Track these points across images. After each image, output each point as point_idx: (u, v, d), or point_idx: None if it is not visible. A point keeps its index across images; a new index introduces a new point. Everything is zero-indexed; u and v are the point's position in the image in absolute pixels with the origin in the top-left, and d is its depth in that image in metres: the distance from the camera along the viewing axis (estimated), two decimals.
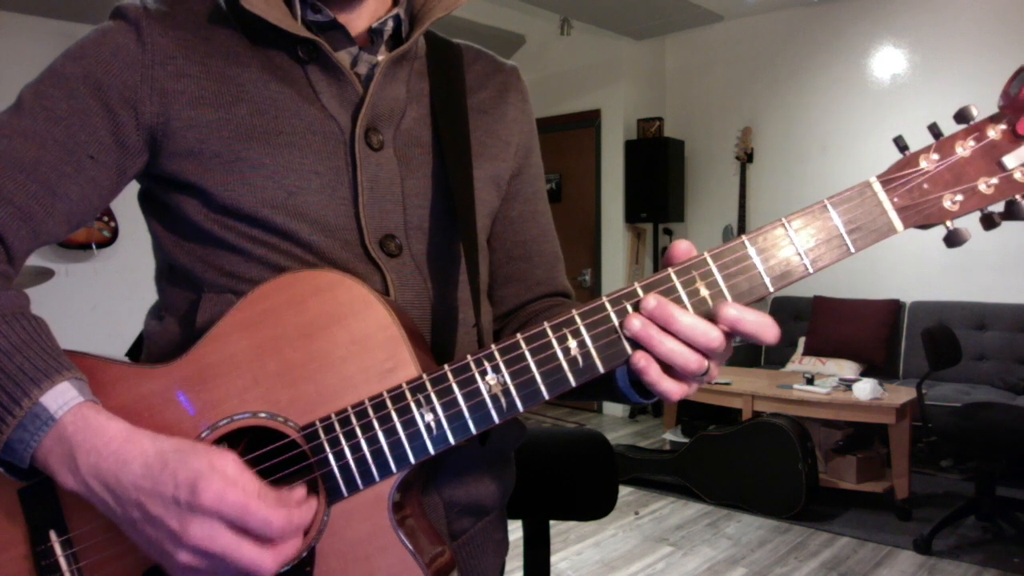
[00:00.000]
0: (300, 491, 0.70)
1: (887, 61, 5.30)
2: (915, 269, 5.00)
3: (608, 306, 0.70)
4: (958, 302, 4.86)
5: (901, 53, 5.24)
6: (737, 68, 6.04)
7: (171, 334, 0.85)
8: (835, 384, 4.11)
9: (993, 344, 4.67)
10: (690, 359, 0.68)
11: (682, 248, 0.71)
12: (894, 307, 5.02)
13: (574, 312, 0.70)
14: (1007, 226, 0.70)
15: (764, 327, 0.68)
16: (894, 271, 5.06)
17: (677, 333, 0.67)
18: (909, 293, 5.08)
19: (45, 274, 3.25)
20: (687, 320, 0.67)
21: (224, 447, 0.72)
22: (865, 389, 3.80)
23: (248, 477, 0.66)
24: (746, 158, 5.86)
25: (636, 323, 0.68)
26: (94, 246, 4.59)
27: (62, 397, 0.68)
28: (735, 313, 0.67)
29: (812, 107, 5.66)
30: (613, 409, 6.25)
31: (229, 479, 0.65)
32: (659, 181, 5.93)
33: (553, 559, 3.01)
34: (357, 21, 0.88)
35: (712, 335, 0.67)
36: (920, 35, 5.15)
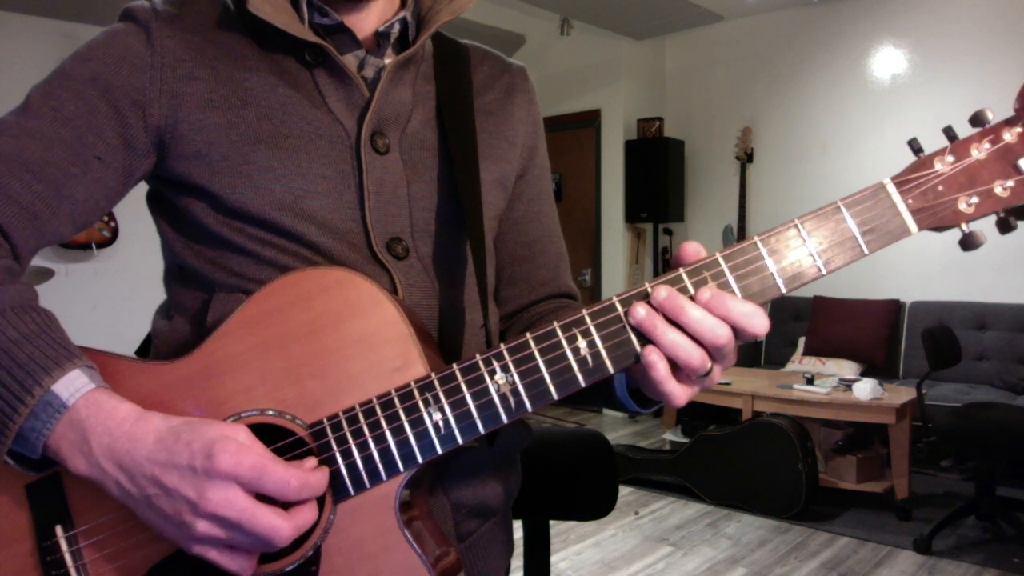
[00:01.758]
0: (312, 460, 0.70)
1: (887, 61, 5.30)
2: (915, 269, 5.00)
3: (618, 306, 0.70)
4: (958, 302, 4.87)
5: (901, 53, 5.24)
6: (737, 68, 6.04)
7: (181, 333, 0.85)
8: (835, 384, 4.11)
9: (993, 344, 4.68)
10: (693, 354, 0.67)
11: (691, 250, 0.70)
12: (894, 307, 5.02)
13: (584, 312, 0.70)
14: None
15: (750, 316, 0.66)
16: (894, 271, 5.06)
17: (685, 325, 0.66)
18: (909, 293, 5.08)
19: (45, 274, 3.25)
20: (696, 313, 0.66)
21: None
22: (865, 389, 3.80)
23: (261, 445, 0.67)
24: (746, 158, 5.86)
25: (641, 311, 0.68)
26: (94, 246, 4.58)
27: (73, 384, 0.68)
28: (707, 296, 0.66)
29: (812, 107, 5.66)
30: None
31: (244, 444, 0.66)
32: (659, 181, 5.93)
33: (553, 559, 3.01)
34: (364, 24, 0.88)
35: (720, 331, 0.66)
36: (920, 35, 5.15)
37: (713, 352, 0.68)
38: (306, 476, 0.67)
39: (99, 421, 0.68)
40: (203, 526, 0.65)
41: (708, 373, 0.69)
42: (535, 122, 1.02)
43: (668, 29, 6.14)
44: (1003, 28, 4.80)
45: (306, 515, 0.68)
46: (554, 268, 1.02)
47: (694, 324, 0.66)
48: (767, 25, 5.85)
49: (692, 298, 0.68)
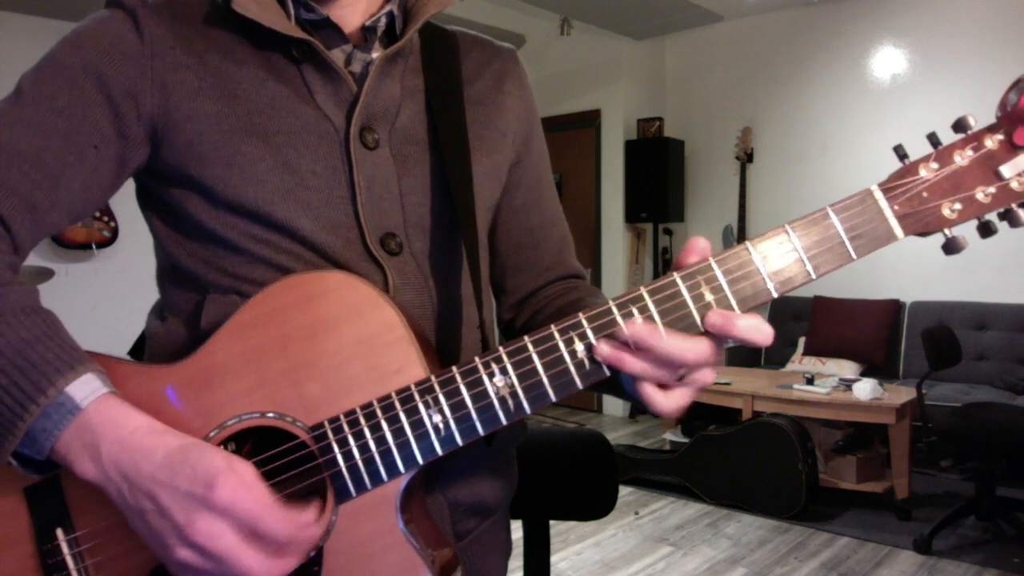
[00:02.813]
0: (311, 515, 0.71)
1: (887, 61, 5.31)
2: (915, 269, 5.00)
3: (614, 310, 0.71)
4: (958, 302, 4.87)
5: (901, 53, 5.25)
6: (737, 68, 6.04)
7: (175, 334, 0.85)
8: (835, 384, 4.11)
9: (993, 344, 4.68)
10: (660, 374, 0.69)
11: (700, 246, 0.72)
12: (894, 307, 5.03)
13: (580, 315, 0.71)
14: (1006, 227, 0.71)
15: (755, 331, 0.68)
16: (894, 271, 5.06)
17: (656, 356, 0.69)
18: (909, 293, 5.09)
19: (45, 274, 3.26)
20: (663, 346, 0.68)
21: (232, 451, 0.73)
22: (865, 389, 3.81)
23: (264, 487, 0.67)
24: (746, 158, 5.86)
25: (605, 349, 0.70)
26: (94, 246, 4.58)
27: (87, 387, 0.68)
28: (719, 320, 0.68)
29: (812, 107, 5.66)
30: (613, 409, 6.26)
31: (247, 483, 0.66)
32: (659, 181, 5.93)
33: (553, 559, 3.02)
34: (350, 19, 0.87)
35: (689, 354, 0.68)
36: (920, 35, 5.15)
37: (687, 367, 0.70)
38: (296, 534, 0.67)
39: (111, 428, 0.68)
40: (184, 552, 0.65)
41: (683, 376, 0.71)
42: (527, 107, 1.00)
43: (668, 29, 6.14)
44: (1003, 28, 4.80)
45: (287, 565, 0.68)
46: (558, 252, 1.02)
47: (664, 356, 0.68)
48: (767, 25, 5.85)
49: (682, 305, 0.70)
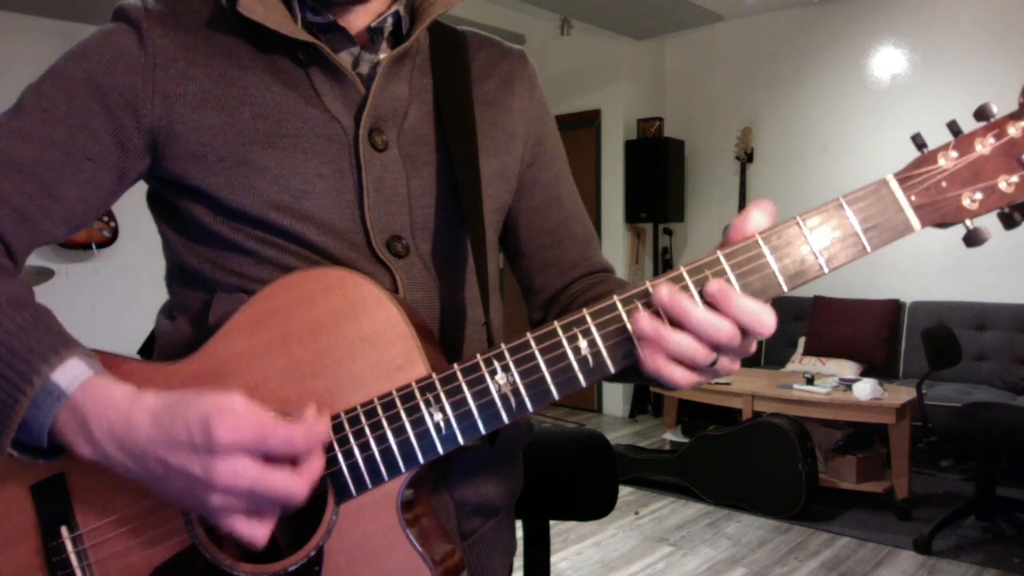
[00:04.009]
0: (311, 409, 0.70)
1: (887, 61, 5.31)
2: (915, 269, 5.00)
3: (619, 305, 0.69)
4: (958, 302, 4.87)
5: (901, 53, 5.24)
6: (737, 68, 6.04)
7: (183, 333, 0.85)
8: (835, 384, 4.11)
9: (993, 344, 4.68)
10: (698, 351, 0.66)
11: (755, 220, 0.68)
12: (894, 307, 5.03)
13: (584, 311, 0.70)
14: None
15: (755, 317, 0.65)
16: (894, 271, 5.06)
17: (688, 327, 0.65)
18: (909, 293, 5.08)
19: (45, 274, 3.25)
20: (699, 314, 0.65)
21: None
22: (865, 389, 3.80)
23: (258, 407, 0.66)
24: (746, 158, 5.86)
25: (645, 324, 0.66)
26: (94, 246, 4.59)
27: (72, 372, 0.68)
28: (717, 290, 0.65)
29: (812, 107, 5.66)
30: (613, 409, 6.25)
31: (239, 413, 0.65)
32: (659, 181, 5.93)
33: (553, 559, 3.01)
34: (357, 21, 0.87)
35: (722, 329, 0.65)
36: (920, 35, 5.15)
37: (717, 347, 0.67)
38: (309, 427, 0.67)
39: (96, 406, 0.68)
40: (218, 499, 0.65)
41: (714, 363, 0.68)
42: (539, 107, 1.00)
43: (668, 29, 6.14)
44: (1003, 28, 4.80)
45: (316, 465, 0.68)
46: (583, 248, 1.01)
47: (696, 326, 0.65)
48: (767, 25, 5.85)
49: (700, 292, 0.67)
